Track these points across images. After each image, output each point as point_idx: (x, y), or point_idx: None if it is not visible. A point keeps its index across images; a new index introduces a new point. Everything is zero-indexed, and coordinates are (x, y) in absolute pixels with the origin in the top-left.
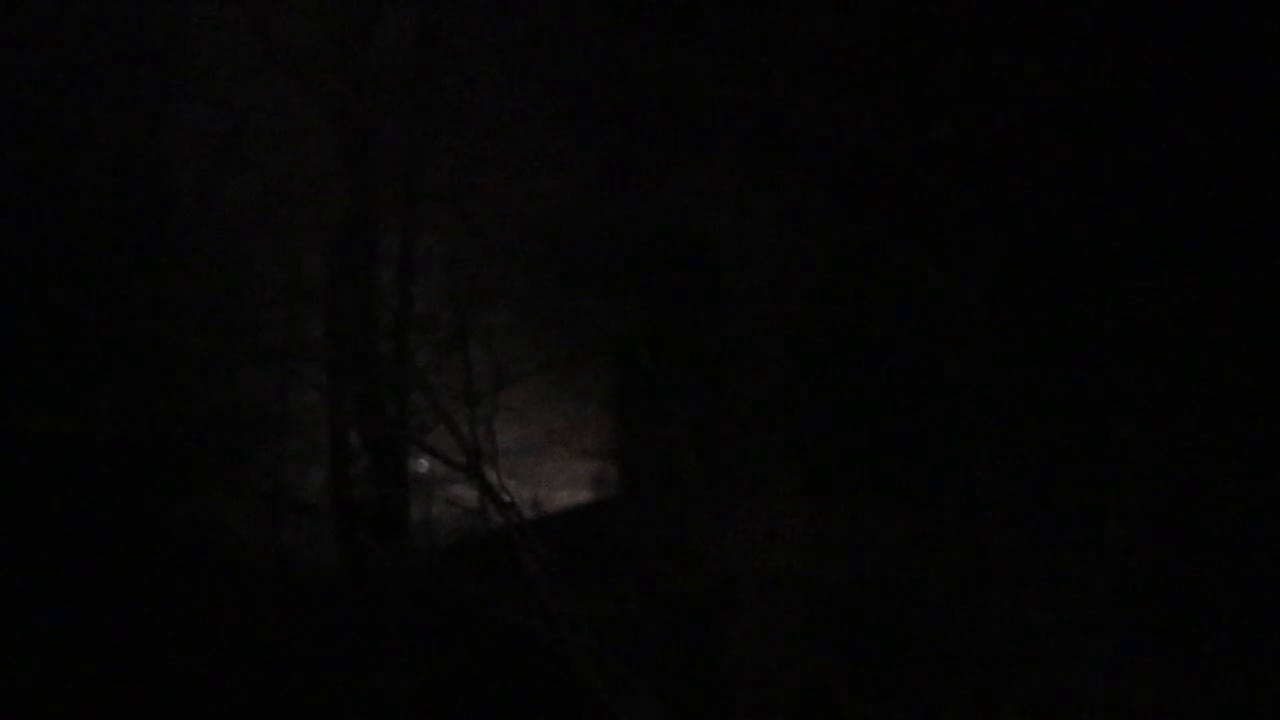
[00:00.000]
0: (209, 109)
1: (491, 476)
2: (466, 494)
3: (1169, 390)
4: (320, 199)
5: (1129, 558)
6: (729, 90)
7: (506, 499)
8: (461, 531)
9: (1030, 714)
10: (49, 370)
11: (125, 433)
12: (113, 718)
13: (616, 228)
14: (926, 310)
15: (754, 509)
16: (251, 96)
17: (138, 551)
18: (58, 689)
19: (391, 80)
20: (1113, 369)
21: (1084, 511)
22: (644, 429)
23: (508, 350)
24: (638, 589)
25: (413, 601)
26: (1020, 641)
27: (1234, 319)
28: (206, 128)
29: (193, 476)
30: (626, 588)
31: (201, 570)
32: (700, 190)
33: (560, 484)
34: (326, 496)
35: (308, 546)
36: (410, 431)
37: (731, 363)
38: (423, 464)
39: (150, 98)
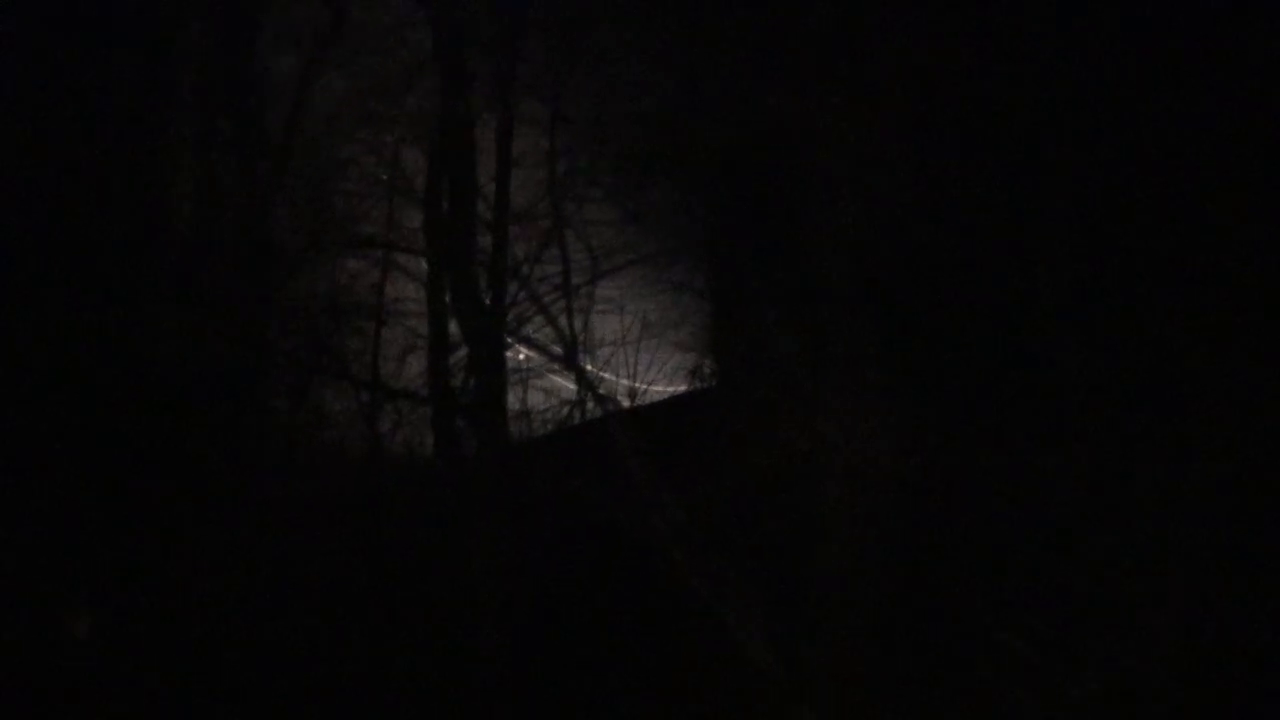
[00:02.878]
0: (306, 4)
1: (588, 367)
2: (563, 384)
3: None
4: (417, 94)
5: (1209, 473)
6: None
7: (602, 389)
8: (558, 421)
9: (1106, 619)
10: (145, 260)
11: (224, 321)
12: (213, 597)
13: (710, 122)
14: (1018, 222)
15: (844, 401)
16: None
17: (239, 437)
18: (155, 568)
19: None
20: (1199, 296)
21: (1166, 423)
22: (738, 321)
23: (603, 243)
24: (730, 478)
25: (509, 489)
26: (1098, 550)
27: None
28: (304, 22)
29: (292, 365)
30: (720, 476)
31: (302, 455)
32: (790, 88)
33: (655, 375)
34: (424, 385)
35: (406, 434)
36: (508, 322)
37: (823, 256)
38: (520, 354)
39: None
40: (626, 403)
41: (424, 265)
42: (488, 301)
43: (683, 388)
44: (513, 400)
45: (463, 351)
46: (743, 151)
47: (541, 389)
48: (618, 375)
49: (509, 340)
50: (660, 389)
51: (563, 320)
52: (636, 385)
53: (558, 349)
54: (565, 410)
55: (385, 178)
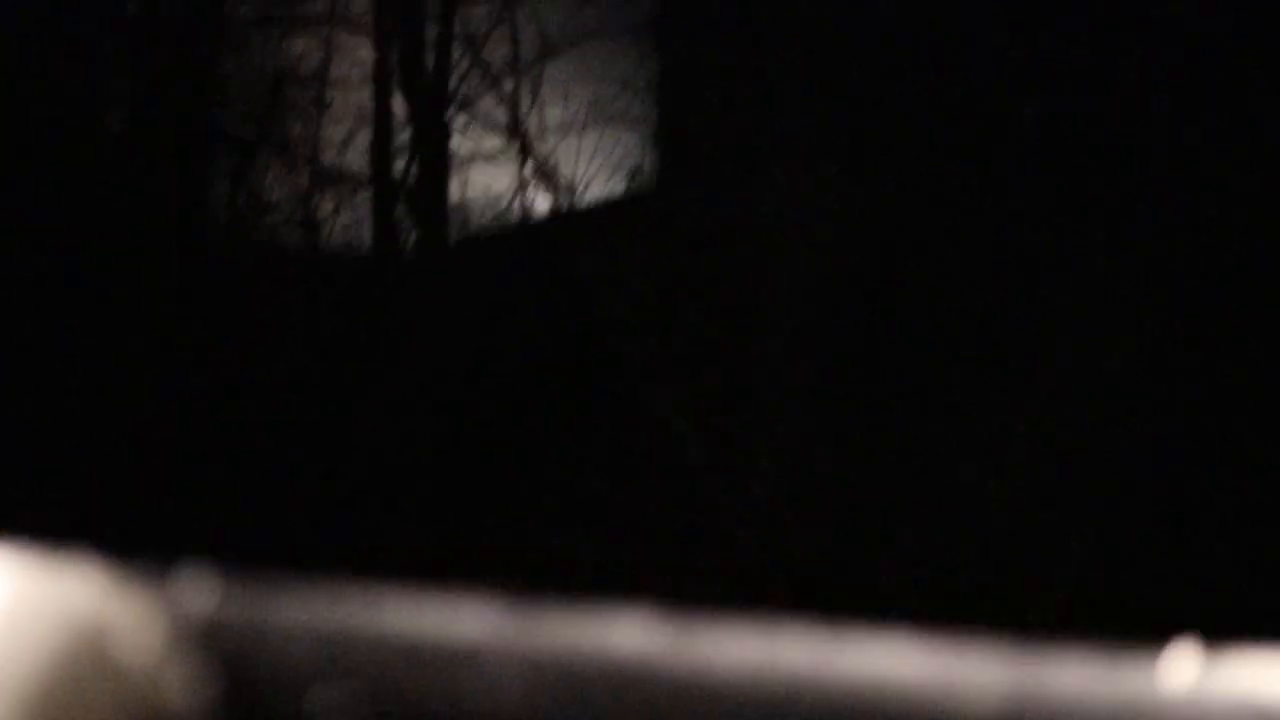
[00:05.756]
0: None
1: (536, 151)
2: (507, 173)
3: None
4: None
5: None
6: None
7: (549, 175)
8: (500, 212)
9: None
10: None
11: (166, 96)
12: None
13: None
14: None
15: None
16: None
17: (173, 220)
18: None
19: None
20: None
21: None
22: (684, 114)
23: (554, 22)
24: (673, 273)
25: (449, 281)
26: None
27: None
28: None
29: (233, 144)
30: (670, 274)
31: (238, 242)
32: None
33: (599, 167)
34: (366, 167)
35: (344, 221)
36: (454, 100)
37: None
38: (463, 138)
39: None
40: (570, 195)
41: (370, 44)
42: (433, 79)
43: (628, 179)
44: (454, 189)
45: (406, 135)
46: None
47: (482, 180)
48: (560, 166)
49: (453, 119)
50: (606, 180)
51: (510, 101)
52: (579, 176)
53: (505, 131)
54: (510, 197)
55: None
